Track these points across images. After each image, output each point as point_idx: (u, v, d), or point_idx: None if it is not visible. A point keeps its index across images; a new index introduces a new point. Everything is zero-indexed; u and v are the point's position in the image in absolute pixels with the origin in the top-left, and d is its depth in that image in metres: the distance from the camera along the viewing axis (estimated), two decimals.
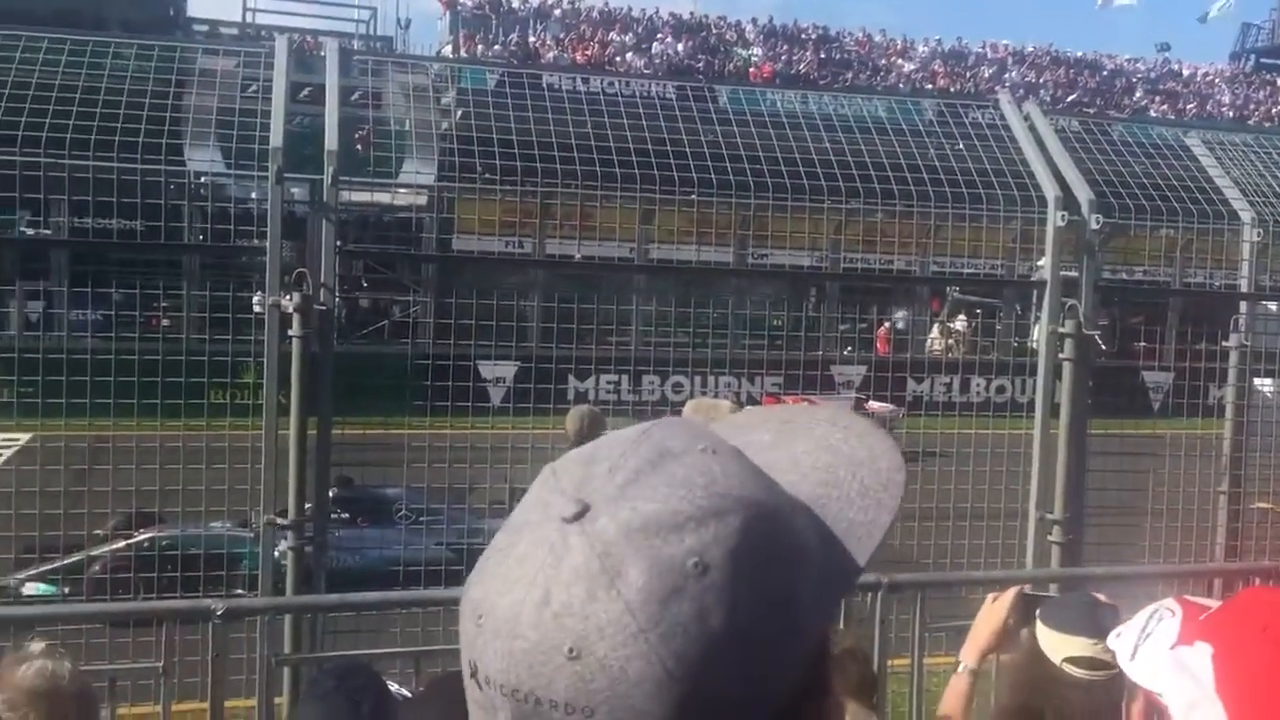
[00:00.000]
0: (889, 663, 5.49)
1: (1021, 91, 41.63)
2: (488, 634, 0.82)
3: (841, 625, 5.31)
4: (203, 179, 9.32)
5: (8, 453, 9.32)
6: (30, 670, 2.33)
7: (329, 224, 5.72)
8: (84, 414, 6.61)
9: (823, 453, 0.93)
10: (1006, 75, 45.05)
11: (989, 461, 7.43)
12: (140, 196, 7.10)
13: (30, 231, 9.93)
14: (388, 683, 2.86)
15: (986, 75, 44.93)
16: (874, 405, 11.01)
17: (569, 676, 0.78)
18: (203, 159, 8.59)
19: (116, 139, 6.66)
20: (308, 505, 5.53)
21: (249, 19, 40.37)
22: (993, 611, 3.22)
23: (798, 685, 0.84)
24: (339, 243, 6.02)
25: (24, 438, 8.44)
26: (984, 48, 47.44)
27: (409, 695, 2.66)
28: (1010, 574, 6.64)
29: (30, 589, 7.93)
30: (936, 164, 8.20)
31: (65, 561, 7.92)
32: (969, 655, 3.26)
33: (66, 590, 7.78)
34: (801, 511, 0.88)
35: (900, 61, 44.91)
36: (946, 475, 7.43)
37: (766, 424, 0.97)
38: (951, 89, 42.47)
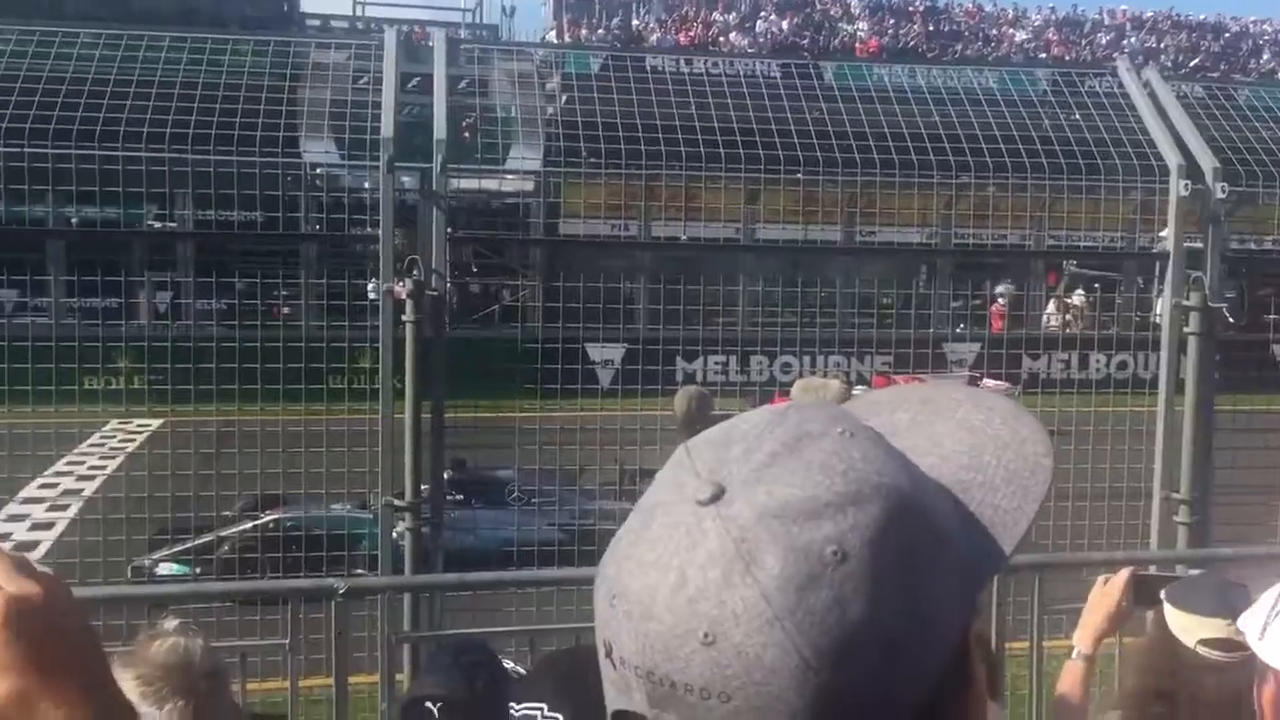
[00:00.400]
0: (1006, 646, 5.39)
1: (1141, 58, 40.20)
2: (621, 615, 0.81)
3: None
4: (318, 170, 9.56)
5: (141, 437, 9.74)
6: (164, 647, 2.42)
7: (439, 211, 5.82)
8: (211, 400, 6.86)
9: (965, 434, 0.89)
10: (1125, 42, 43.51)
11: (1110, 440, 7.22)
12: (259, 189, 7.31)
13: (157, 225, 10.32)
14: (502, 660, 2.91)
15: (1104, 42, 43.47)
16: (988, 383, 10.77)
17: (704, 661, 0.77)
18: (317, 150, 8.82)
19: (236, 133, 6.88)
20: (424, 487, 5.65)
21: (359, 12, 41.17)
22: (1105, 594, 3.12)
23: (940, 676, 0.82)
24: (449, 230, 6.12)
25: (156, 423, 8.81)
26: (1100, 14, 45.86)
27: (523, 672, 2.70)
28: (1133, 555, 6.45)
29: (164, 569, 8.26)
30: (1051, 135, 7.98)
31: (196, 542, 8.24)
32: (1083, 641, 3.17)
33: (198, 570, 8.09)
34: (943, 497, 0.85)
35: (1012, 31, 43.72)
36: (1065, 454, 7.23)
37: (905, 403, 0.94)
38: (1066, 58, 41.21)
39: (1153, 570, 3.21)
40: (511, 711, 2.05)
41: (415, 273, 5.37)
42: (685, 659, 0.77)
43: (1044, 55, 41.68)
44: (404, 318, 5.40)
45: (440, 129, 5.96)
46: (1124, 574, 3.12)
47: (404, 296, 5.38)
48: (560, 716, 1.94)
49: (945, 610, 0.81)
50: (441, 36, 6.80)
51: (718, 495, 0.80)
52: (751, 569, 0.77)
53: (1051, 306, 12.92)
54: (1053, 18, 45.09)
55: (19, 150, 6.78)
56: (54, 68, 7.15)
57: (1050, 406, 7.92)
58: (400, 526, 5.61)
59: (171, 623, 2.55)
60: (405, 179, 7.95)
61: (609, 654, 0.83)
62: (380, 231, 5.68)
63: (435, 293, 5.48)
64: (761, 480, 0.80)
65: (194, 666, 2.42)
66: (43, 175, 7.32)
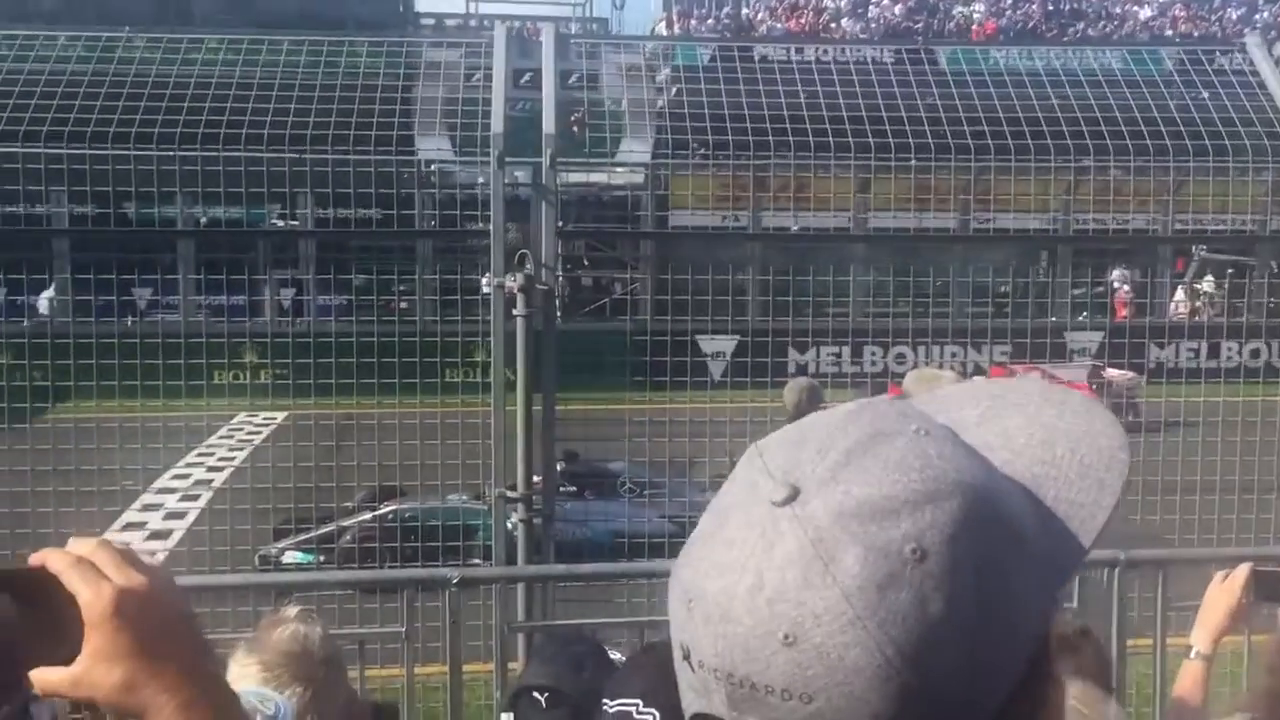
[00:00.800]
0: (1129, 643, 5.22)
1: (1274, 33, 38.48)
2: (699, 619, 0.81)
3: (1075, 604, 5.09)
4: (432, 167, 9.71)
5: (266, 430, 10.06)
6: (285, 634, 2.50)
7: (548, 206, 5.87)
8: (332, 393, 7.05)
9: (1037, 429, 0.88)
10: (1257, 16, 41.64)
11: (1240, 431, 6.93)
12: (375, 186, 7.47)
13: (280, 223, 10.63)
14: (609, 650, 2.93)
15: (1234, 18, 41.70)
16: (1112, 373, 10.45)
17: (785, 663, 0.77)
18: (432, 147, 8.96)
19: (352, 133, 7.04)
20: (536, 479, 5.72)
21: (472, 9, 41.79)
22: (1224, 591, 2.98)
23: (1022, 672, 0.81)
24: (560, 223, 6.18)
25: (280, 416, 9.09)
26: None
27: None
28: (1263, 551, 6.19)
29: (289, 557, 8.52)
30: (1178, 116, 7.69)
31: (318, 532, 8.49)
32: (1201, 640, 3.04)
33: (321, 559, 8.33)
34: (1019, 493, 0.84)
35: (1136, 9, 42.22)
36: (1192, 446, 6.97)
37: (975, 399, 0.92)
38: (1195, 34, 39.65)
39: (1268, 565, 3.06)
40: (605, 708, 2.06)
41: (526, 267, 5.43)
42: (766, 660, 0.77)
43: (1170, 33, 40.16)
44: (515, 312, 5.47)
45: (549, 124, 6.01)
46: (1244, 569, 2.98)
47: (515, 291, 5.44)
48: (654, 714, 1.94)
49: (1025, 608, 0.81)
50: (550, 32, 6.86)
51: (793, 496, 0.79)
52: (831, 569, 0.76)
53: (1179, 293, 12.46)
54: None
55: (149, 154, 7.05)
56: (180, 73, 7.42)
57: (1177, 396, 7.66)
58: (514, 518, 5.69)
59: (292, 610, 2.62)
60: (518, 173, 8.05)
61: (686, 657, 0.83)
62: (491, 227, 5.75)
63: (545, 287, 5.53)
64: (837, 480, 0.79)
65: (313, 654, 2.49)
66: (172, 178, 7.60)
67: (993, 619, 0.78)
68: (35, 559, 1.01)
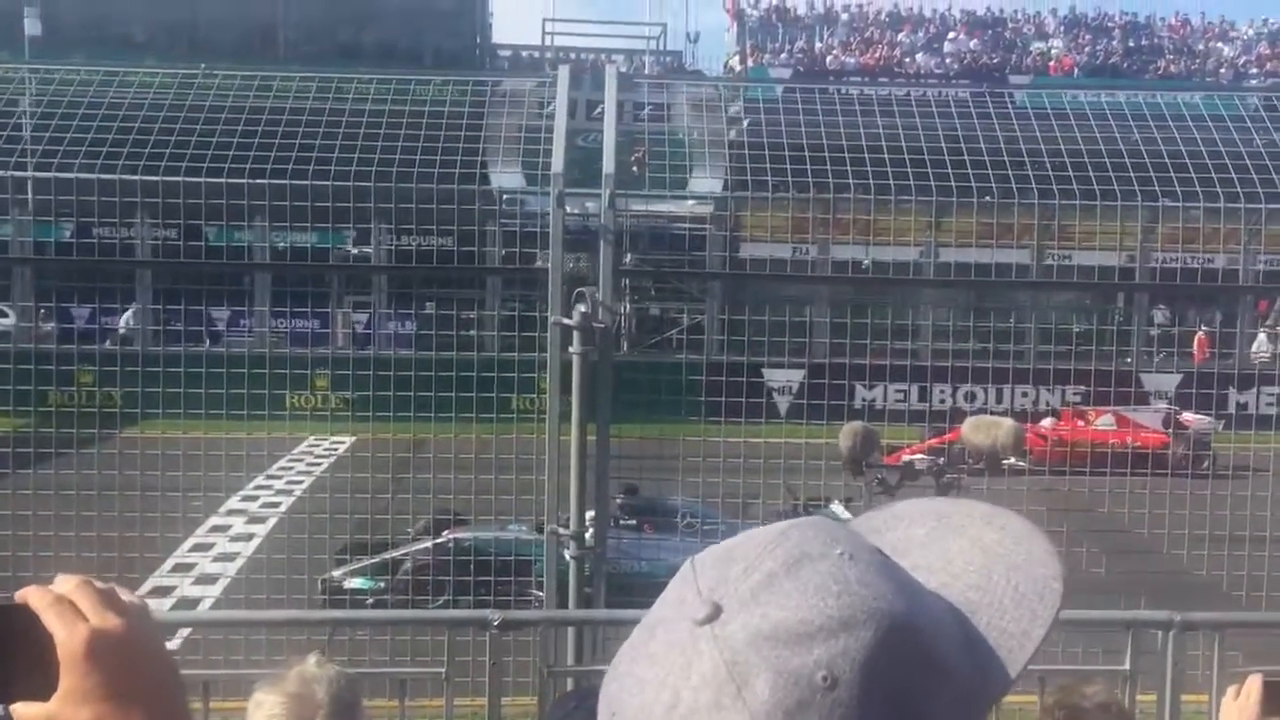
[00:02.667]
0: (1183, 698, 5.02)
1: None
2: None
3: (1127, 667, 4.92)
4: (505, 197, 9.81)
5: (335, 455, 10.19)
6: (292, 675, 2.61)
7: (605, 244, 5.89)
8: (399, 420, 7.12)
9: (977, 553, 0.88)
10: None
11: None
12: (447, 217, 7.55)
13: (353, 250, 10.82)
14: None
15: None
16: (1189, 417, 10.20)
17: None
18: (505, 178, 9.05)
19: (422, 166, 7.13)
20: (589, 514, 5.70)
21: (548, 41, 42.32)
22: (1244, 710, 2.77)
23: None
24: (628, 256, 6.19)
25: (348, 440, 9.20)
26: None
27: None
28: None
29: (351, 584, 8.59)
30: (1263, 153, 7.50)
31: (379, 559, 8.55)
32: None
33: (382, 584, 8.38)
34: (947, 619, 0.84)
35: (1219, 45, 41.47)
36: (1260, 500, 6.73)
37: (923, 518, 0.93)
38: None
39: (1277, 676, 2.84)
40: None
41: (583, 306, 5.44)
42: None
43: (1255, 70, 39.36)
44: (571, 349, 5.48)
45: (609, 162, 6.04)
46: (1255, 682, 2.77)
47: (572, 326, 5.46)
48: None
49: None
50: (613, 71, 6.90)
51: (714, 615, 0.80)
52: (743, 692, 0.76)
53: (1262, 338, 12.14)
54: (1265, 30, 42.52)
55: (228, 182, 7.21)
56: (258, 104, 7.59)
57: (1256, 443, 7.43)
58: (567, 553, 5.67)
59: (313, 656, 2.70)
60: (589, 204, 8.10)
61: None
62: (550, 265, 5.78)
63: (601, 325, 5.53)
64: (758, 601, 0.80)
65: (314, 697, 2.57)
66: (251, 205, 7.77)
67: None
68: (19, 595, 1.02)
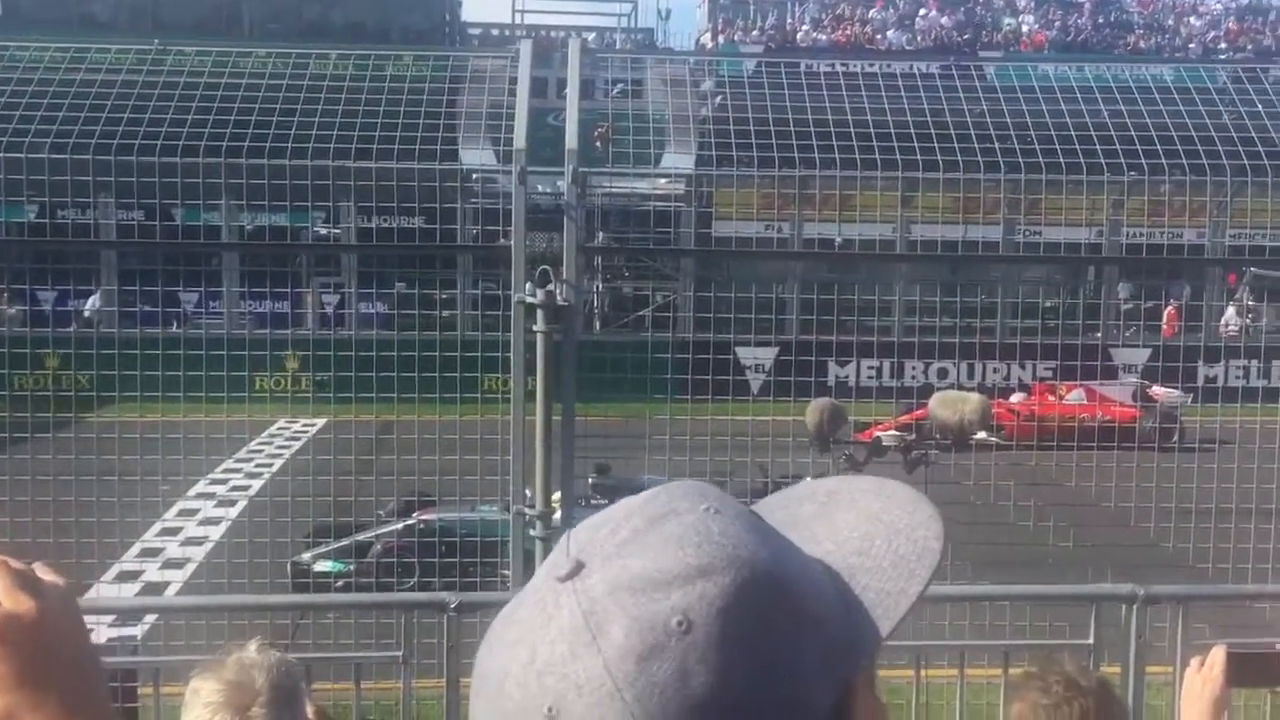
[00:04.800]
0: (1148, 670, 5.07)
1: None
2: (482, 696, 0.82)
3: (1091, 641, 4.96)
4: (474, 176, 9.74)
5: (305, 437, 10.13)
6: (230, 662, 2.60)
7: (569, 221, 5.86)
8: (371, 401, 7.07)
9: (863, 522, 0.90)
10: None
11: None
12: (417, 196, 7.50)
13: (323, 230, 10.72)
14: None
15: None
16: (1159, 391, 10.28)
17: None
18: (474, 157, 8.99)
19: (397, 145, 7.07)
20: (556, 494, 5.68)
21: (519, 19, 42.01)
22: (1207, 680, 2.78)
23: None
24: (600, 235, 6.16)
25: (320, 423, 9.15)
26: None
27: None
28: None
29: (320, 566, 8.55)
30: (1240, 124, 7.54)
31: (348, 541, 8.51)
32: None
33: (351, 567, 8.35)
34: (823, 578, 0.85)
35: (1191, 20, 41.67)
36: (1227, 473, 6.78)
37: (813, 496, 0.94)
38: (1249, 47, 39.06)
39: (1240, 647, 2.86)
40: None
41: (550, 285, 5.42)
42: None
43: (1224, 45, 39.59)
44: (535, 327, 5.46)
45: (571, 139, 6.00)
46: (1220, 654, 2.78)
47: (535, 305, 5.43)
48: None
49: (805, 686, 0.80)
50: (575, 45, 6.84)
51: (575, 571, 0.80)
52: (597, 640, 0.77)
53: (1230, 311, 12.24)
54: (1233, 5, 42.75)
55: (196, 162, 7.13)
56: (228, 83, 7.50)
57: (1224, 415, 7.49)
58: (533, 533, 5.65)
59: (253, 643, 2.68)
60: (560, 183, 8.05)
61: None
62: (513, 243, 5.75)
63: (566, 303, 5.51)
64: (620, 555, 0.80)
65: (252, 685, 2.54)
66: (218, 185, 7.68)
67: (764, 694, 0.77)
68: None
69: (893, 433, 11.47)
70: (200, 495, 9.13)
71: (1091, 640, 5.01)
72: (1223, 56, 36.82)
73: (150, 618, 6.01)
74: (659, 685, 0.75)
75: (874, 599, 0.85)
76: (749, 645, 0.77)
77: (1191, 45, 39.49)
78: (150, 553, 8.94)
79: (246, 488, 9.46)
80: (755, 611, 0.78)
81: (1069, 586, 5.65)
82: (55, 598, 1.00)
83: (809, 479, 0.99)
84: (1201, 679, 2.70)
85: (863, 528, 0.89)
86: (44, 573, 1.02)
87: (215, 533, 8.26)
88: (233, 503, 9.14)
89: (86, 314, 9.04)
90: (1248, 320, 11.78)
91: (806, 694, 0.80)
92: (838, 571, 0.86)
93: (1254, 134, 7.24)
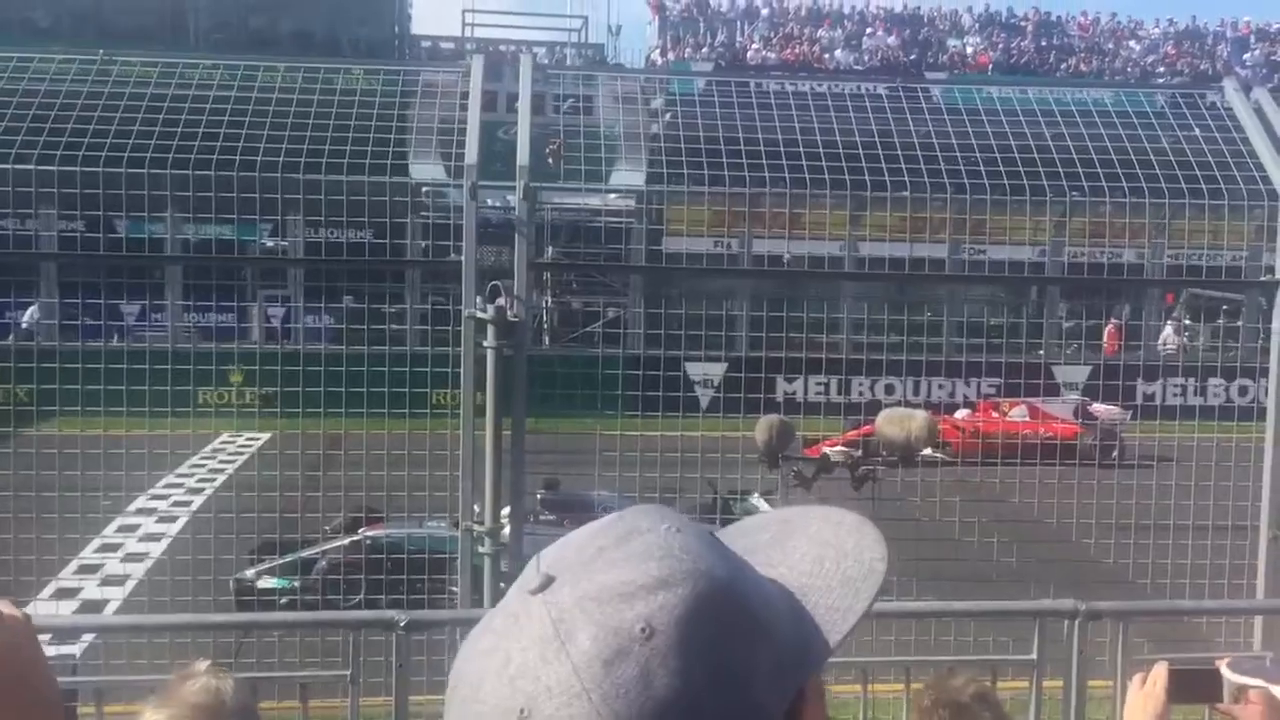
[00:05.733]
0: (1089, 683, 5.14)
1: (1265, 71, 38.80)
2: (456, 701, 0.88)
3: (1034, 655, 5.02)
4: (423, 190, 9.70)
5: (249, 451, 9.99)
6: (195, 686, 2.51)
7: (520, 237, 5.86)
8: (317, 416, 6.99)
9: (814, 546, 0.97)
10: (1246, 55, 42.04)
11: (1223, 474, 6.85)
12: (366, 210, 7.45)
13: (270, 243, 10.60)
14: None
15: (1225, 53, 42.04)
16: (1099, 408, 10.46)
17: None
18: (424, 171, 8.95)
19: (346, 159, 7.02)
20: (505, 510, 5.65)
21: (469, 33, 41.94)
22: (1150, 697, 2.81)
23: None
24: (550, 251, 6.15)
25: (264, 437, 9.03)
26: (1223, 25, 44.32)
27: None
28: (1226, 604, 6.12)
29: (264, 583, 8.43)
30: (1179, 147, 7.70)
31: (293, 557, 8.40)
32: None
33: (296, 584, 8.24)
34: (776, 595, 0.92)
35: (1130, 44, 42.56)
36: (1166, 489, 6.91)
37: (769, 525, 1.02)
38: (1186, 71, 39.96)
39: (1184, 664, 2.90)
40: None
41: (500, 300, 5.41)
42: None
43: (1162, 69, 40.47)
44: (485, 343, 5.44)
45: (523, 155, 6.00)
46: (1161, 670, 2.81)
47: (486, 320, 5.41)
48: None
49: (758, 691, 0.86)
50: (528, 61, 6.84)
51: (546, 584, 0.87)
52: (566, 645, 0.83)
53: (1169, 329, 12.48)
54: (1171, 30, 43.73)
55: (140, 173, 7.02)
56: (174, 94, 7.40)
57: (1163, 432, 7.64)
58: (481, 550, 5.61)
59: (204, 664, 2.63)
60: (510, 197, 8.03)
61: None
62: (464, 258, 5.73)
63: (516, 318, 5.50)
64: (587, 570, 0.87)
65: (222, 707, 2.49)
66: (162, 197, 7.57)
67: (721, 698, 0.83)
68: None
69: (840, 449, 11.55)
70: (141, 511, 8.96)
71: (1035, 655, 5.07)
72: (1161, 80, 37.65)
73: (88, 636, 5.88)
74: (623, 687, 0.81)
75: (823, 614, 0.92)
76: (706, 651, 0.83)
77: (1130, 69, 40.33)
78: (89, 569, 8.75)
79: (189, 503, 9.31)
80: (712, 620, 0.84)
81: (1012, 602, 5.73)
82: (9, 631, 0.99)
83: (764, 510, 1.04)
84: (1144, 695, 2.74)
85: (814, 552, 0.97)
86: (3, 605, 1.01)
87: (156, 549, 8.11)
88: (174, 518, 8.98)
89: (24, 325, 8.86)
90: (1185, 338, 12.02)
91: (760, 699, 0.86)
92: (790, 590, 0.93)
93: (1191, 157, 7.39)
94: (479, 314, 5.47)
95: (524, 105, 6.31)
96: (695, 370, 9.06)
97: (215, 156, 6.87)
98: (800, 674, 0.90)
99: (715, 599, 0.85)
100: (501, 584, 5.62)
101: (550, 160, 8.59)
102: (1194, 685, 2.74)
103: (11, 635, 1.01)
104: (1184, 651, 5.18)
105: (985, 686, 3.48)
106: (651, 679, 0.81)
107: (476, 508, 5.64)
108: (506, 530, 5.64)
